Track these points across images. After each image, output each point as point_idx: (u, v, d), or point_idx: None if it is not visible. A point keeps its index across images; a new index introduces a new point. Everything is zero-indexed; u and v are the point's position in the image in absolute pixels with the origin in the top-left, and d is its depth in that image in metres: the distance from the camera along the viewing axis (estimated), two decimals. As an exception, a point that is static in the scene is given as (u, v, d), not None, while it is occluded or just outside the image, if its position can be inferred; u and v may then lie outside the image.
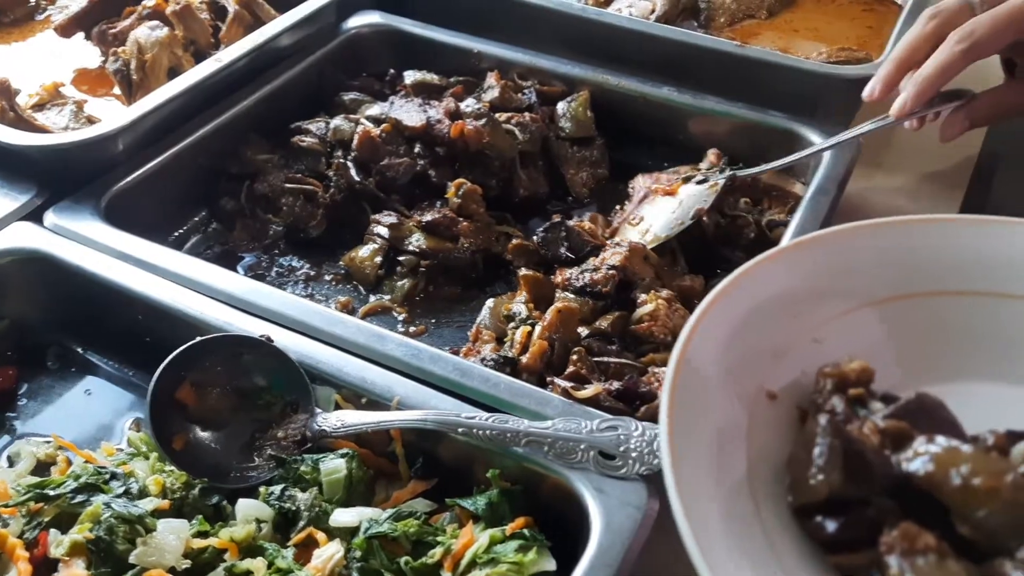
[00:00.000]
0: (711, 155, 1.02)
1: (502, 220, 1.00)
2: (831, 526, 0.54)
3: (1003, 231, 0.68)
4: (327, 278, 0.96)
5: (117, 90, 1.12)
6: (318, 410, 0.72)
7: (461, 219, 0.96)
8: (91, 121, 1.05)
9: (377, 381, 0.73)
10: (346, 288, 0.94)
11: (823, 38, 1.27)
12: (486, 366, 0.77)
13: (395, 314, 0.92)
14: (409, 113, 1.03)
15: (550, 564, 0.63)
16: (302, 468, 0.69)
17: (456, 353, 0.81)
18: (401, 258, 0.94)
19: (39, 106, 1.07)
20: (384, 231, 0.95)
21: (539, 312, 0.85)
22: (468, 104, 1.04)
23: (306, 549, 0.65)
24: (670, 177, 1.01)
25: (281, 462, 0.70)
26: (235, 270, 0.94)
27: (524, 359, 0.80)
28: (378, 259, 0.94)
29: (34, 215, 0.88)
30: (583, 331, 0.83)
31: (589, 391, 0.74)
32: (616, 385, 0.76)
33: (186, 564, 0.62)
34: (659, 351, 0.82)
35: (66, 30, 1.20)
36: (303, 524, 0.65)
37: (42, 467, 0.73)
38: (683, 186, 0.98)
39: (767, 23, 1.31)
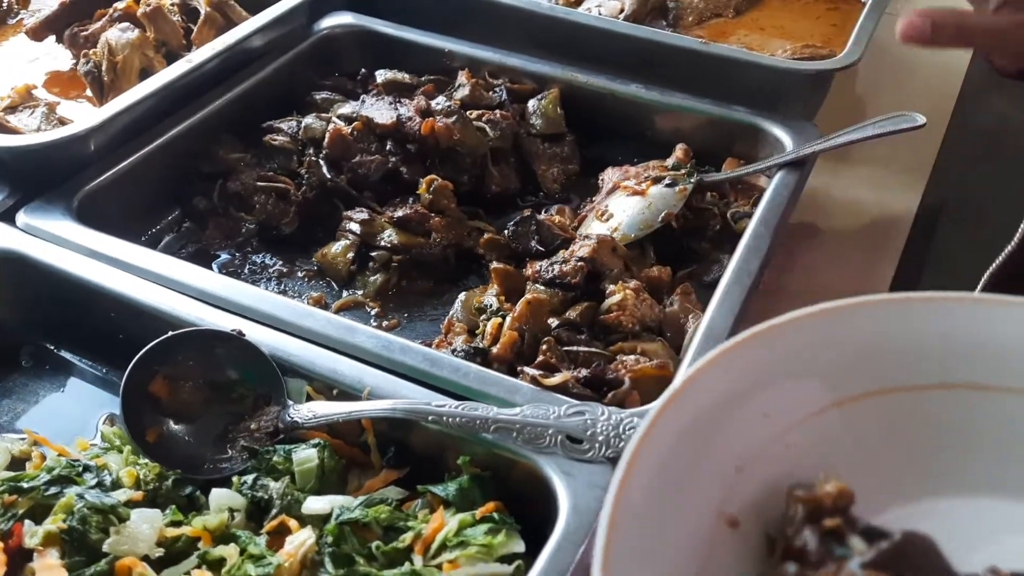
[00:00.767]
0: (678, 150, 1.04)
1: (474, 215, 1.01)
2: None
3: (995, 312, 0.57)
4: (300, 275, 0.97)
5: (89, 92, 1.13)
6: (290, 402, 0.73)
7: (433, 215, 0.97)
8: (63, 123, 1.06)
9: (348, 372, 0.74)
10: (319, 284, 0.96)
11: (789, 35, 1.30)
12: (457, 357, 0.79)
13: (368, 309, 0.93)
14: (380, 111, 1.04)
15: (519, 546, 0.65)
16: (275, 458, 0.70)
17: (428, 345, 0.82)
18: (373, 254, 0.96)
19: (11, 108, 1.07)
20: (356, 227, 0.96)
21: (510, 304, 0.86)
22: (439, 102, 1.05)
23: (279, 536, 0.66)
24: (639, 171, 1.03)
25: (254, 453, 0.71)
26: (209, 268, 0.94)
27: (495, 349, 0.82)
28: (350, 255, 0.95)
29: (6, 216, 0.89)
30: (553, 321, 0.84)
31: (557, 379, 0.76)
32: (584, 373, 0.77)
33: (159, 552, 0.63)
34: (627, 340, 0.83)
35: (37, 33, 1.20)
36: (275, 512, 0.66)
37: (17, 463, 0.74)
38: (652, 187, 1.00)
39: (734, 21, 1.34)
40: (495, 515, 0.66)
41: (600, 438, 0.68)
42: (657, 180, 1.00)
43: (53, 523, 0.63)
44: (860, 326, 0.56)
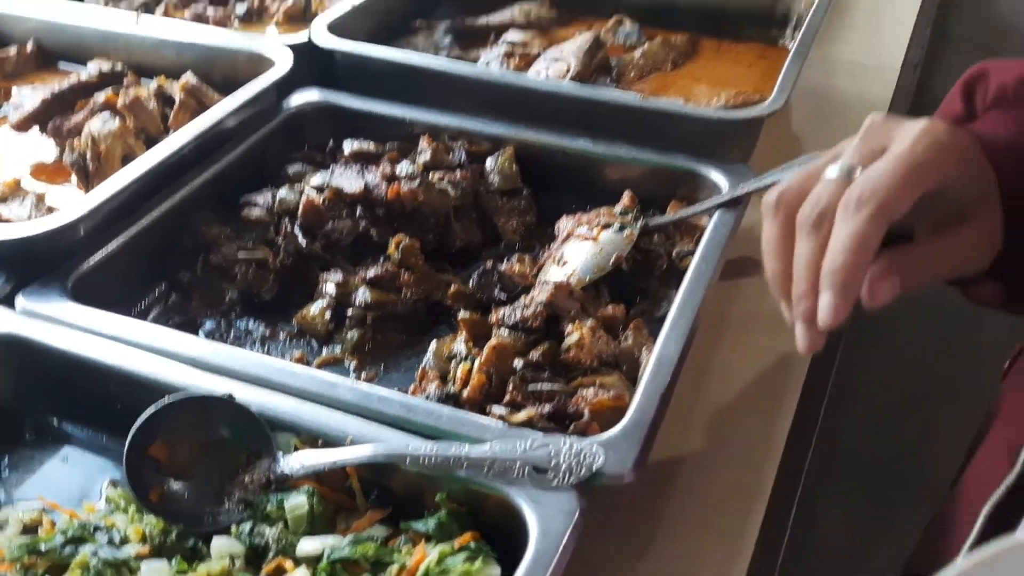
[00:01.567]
0: (625, 197, 1.13)
1: (442, 269, 1.09)
2: None
3: None
4: (282, 336, 1.04)
5: (75, 179, 1.20)
6: (280, 454, 0.80)
7: (403, 271, 1.05)
8: (52, 210, 1.13)
9: (331, 424, 0.81)
10: (300, 343, 1.03)
11: (723, 84, 1.41)
12: (432, 402, 0.86)
13: (347, 363, 1.00)
14: (349, 180, 1.13)
15: (495, 571, 0.71)
16: (268, 507, 0.76)
17: (405, 392, 0.89)
18: (349, 312, 1.03)
19: (1, 200, 1.15)
20: (332, 288, 1.04)
21: (478, 349, 0.94)
22: (403, 167, 1.14)
23: (277, 578, 0.72)
24: (591, 218, 1.11)
25: (249, 504, 0.78)
26: (197, 335, 1.01)
27: (466, 392, 0.89)
28: (328, 315, 1.02)
29: (6, 300, 0.95)
30: (518, 363, 0.92)
31: (523, 415, 0.83)
32: (547, 408, 0.85)
33: (168, 600, 0.69)
34: (587, 375, 0.91)
35: (21, 127, 1.28)
36: (272, 555, 0.73)
37: (28, 531, 0.80)
38: (603, 232, 1.08)
39: (673, 74, 1.44)
40: (472, 544, 0.72)
41: (564, 467, 0.75)
42: (607, 226, 1.08)
43: (70, 579, 0.69)
44: None
